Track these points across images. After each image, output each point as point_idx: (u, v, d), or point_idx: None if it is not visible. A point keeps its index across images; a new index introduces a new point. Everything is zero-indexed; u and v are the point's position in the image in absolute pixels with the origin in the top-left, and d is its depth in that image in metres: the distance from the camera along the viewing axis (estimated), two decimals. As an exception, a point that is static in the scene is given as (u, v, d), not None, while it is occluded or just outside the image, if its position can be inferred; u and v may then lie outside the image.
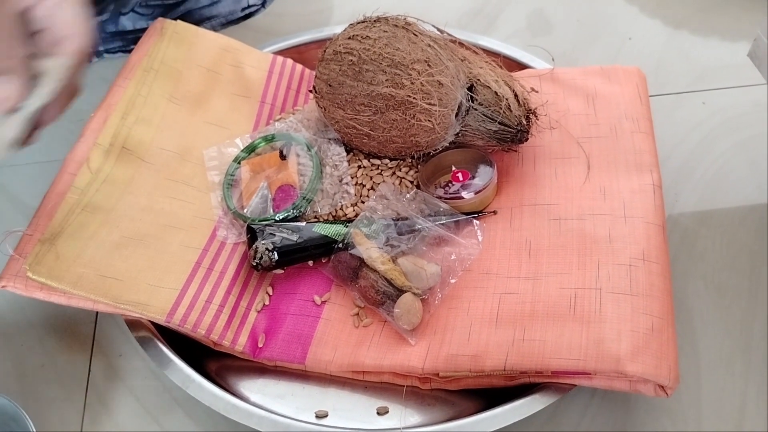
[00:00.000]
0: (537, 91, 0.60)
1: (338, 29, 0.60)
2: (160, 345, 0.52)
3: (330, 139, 0.61)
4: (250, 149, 0.62)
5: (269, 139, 0.62)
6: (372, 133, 0.57)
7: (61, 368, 0.56)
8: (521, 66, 0.68)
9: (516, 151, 0.60)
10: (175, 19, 0.69)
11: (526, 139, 0.57)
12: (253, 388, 0.53)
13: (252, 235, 0.56)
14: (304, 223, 0.56)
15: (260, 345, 0.54)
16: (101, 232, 0.54)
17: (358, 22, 0.58)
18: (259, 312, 0.55)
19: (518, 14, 0.80)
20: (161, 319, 0.52)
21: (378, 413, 0.51)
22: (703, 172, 0.65)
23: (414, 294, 0.52)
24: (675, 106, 0.70)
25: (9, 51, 0.47)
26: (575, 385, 0.48)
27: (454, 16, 0.80)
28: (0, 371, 0.56)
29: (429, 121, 0.55)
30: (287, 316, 0.55)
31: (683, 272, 0.58)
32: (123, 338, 0.58)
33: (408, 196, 0.57)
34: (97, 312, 0.59)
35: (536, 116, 0.57)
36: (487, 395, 0.50)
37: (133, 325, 0.53)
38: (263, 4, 0.83)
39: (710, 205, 0.62)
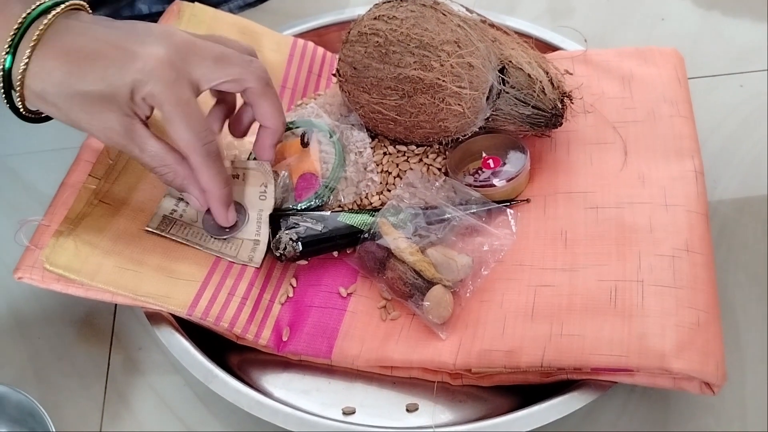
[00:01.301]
0: (571, 74, 0.58)
1: (360, 10, 0.58)
2: (181, 338, 0.51)
3: (353, 124, 0.59)
4: (271, 136, 0.60)
5: (290, 125, 0.60)
6: (399, 118, 0.54)
7: (80, 362, 0.55)
8: (551, 48, 0.66)
9: (549, 136, 0.57)
10: (192, 1, 0.67)
11: (561, 124, 0.55)
12: (277, 383, 0.51)
13: (275, 225, 0.54)
14: (328, 213, 0.54)
15: (284, 339, 0.52)
16: (120, 223, 0.52)
17: (384, 2, 0.55)
18: (282, 304, 0.53)
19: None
20: (182, 312, 0.50)
21: (407, 410, 0.49)
22: (743, 157, 0.62)
23: (444, 286, 0.50)
24: (711, 88, 0.67)
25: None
26: (615, 383, 0.46)
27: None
28: (17, 365, 0.55)
29: (459, 105, 0.53)
30: (312, 308, 0.53)
31: (724, 263, 0.56)
32: (142, 331, 0.56)
33: (437, 184, 0.55)
34: (115, 304, 0.57)
35: (571, 99, 0.55)
36: (521, 392, 0.48)
37: (153, 317, 0.51)
38: (281, -14, 0.80)
39: (751, 192, 0.60)
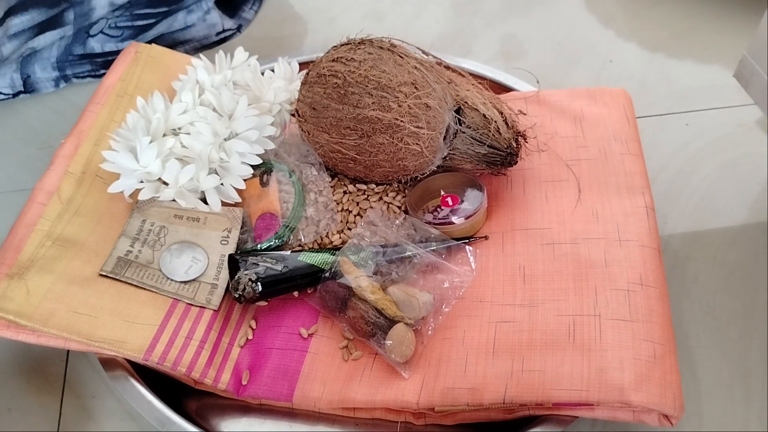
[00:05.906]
0: (525, 114, 0.59)
1: (319, 52, 0.58)
2: (137, 384, 0.49)
3: (312, 164, 0.59)
4: (229, 176, 0.60)
5: (248, 165, 0.60)
6: (358, 157, 0.55)
7: (31, 412, 0.53)
8: (505, 89, 0.67)
9: (505, 174, 0.59)
10: (148, 42, 0.67)
11: (516, 162, 0.56)
12: (237, 428, 0.50)
13: (233, 265, 0.53)
14: (288, 252, 0.54)
15: (244, 382, 0.51)
16: (74, 266, 0.51)
17: (342, 44, 0.56)
18: (242, 347, 0.52)
19: (495, 38, 0.80)
20: (139, 357, 0.49)
21: (371, 452, 0.49)
22: (691, 193, 0.64)
23: (406, 324, 0.50)
24: (659, 127, 0.70)
25: None
26: (577, 417, 0.46)
27: (428, 40, 0.79)
28: (-38, 417, 0.53)
29: (417, 144, 0.53)
30: (272, 350, 0.52)
31: (677, 295, 0.57)
32: (96, 378, 0.54)
33: (397, 222, 0.55)
34: (68, 350, 0.55)
35: (525, 139, 0.56)
36: (485, 429, 0.48)
37: (108, 363, 0.50)
38: (239, 29, 0.81)
39: (700, 227, 0.62)
